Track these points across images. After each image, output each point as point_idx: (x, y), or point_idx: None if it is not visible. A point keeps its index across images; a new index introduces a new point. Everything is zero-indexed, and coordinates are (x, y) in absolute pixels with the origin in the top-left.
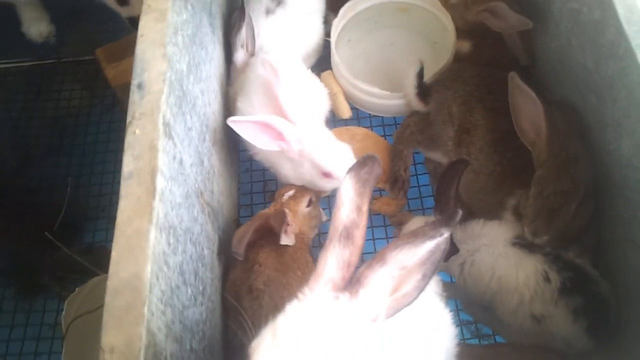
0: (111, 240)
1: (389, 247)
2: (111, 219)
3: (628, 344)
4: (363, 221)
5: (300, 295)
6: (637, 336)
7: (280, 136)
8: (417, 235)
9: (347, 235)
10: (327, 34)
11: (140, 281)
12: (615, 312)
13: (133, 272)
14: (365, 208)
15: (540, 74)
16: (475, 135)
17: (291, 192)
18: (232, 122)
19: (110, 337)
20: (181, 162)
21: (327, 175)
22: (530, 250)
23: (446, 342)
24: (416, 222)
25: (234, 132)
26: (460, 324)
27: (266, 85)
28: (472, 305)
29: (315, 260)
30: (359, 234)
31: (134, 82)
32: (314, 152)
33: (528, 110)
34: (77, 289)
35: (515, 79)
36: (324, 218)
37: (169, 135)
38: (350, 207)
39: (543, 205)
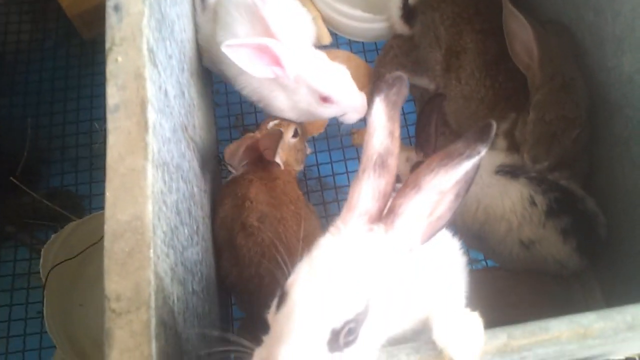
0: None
1: (421, 172)
2: (81, 160)
3: (620, 262)
4: (396, 148)
5: (333, 228)
6: (631, 253)
7: (276, 61)
8: (452, 156)
9: (382, 163)
10: None
11: (143, 223)
12: (604, 228)
13: (133, 213)
14: (397, 133)
15: None
16: (465, 59)
17: (276, 121)
18: (227, 47)
19: (115, 284)
20: (166, 93)
21: (325, 99)
22: (513, 176)
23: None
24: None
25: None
26: None
27: (250, 11)
28: (463, 234)
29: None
30: (394, 162)
31: (110, 3)
32: (312, 75)
33: (521, 33)
34: (52, 236)
35: (507, 3)
36: (308, 151)
37: (153, 63)
38: (384, 133)
39: (544, 131)
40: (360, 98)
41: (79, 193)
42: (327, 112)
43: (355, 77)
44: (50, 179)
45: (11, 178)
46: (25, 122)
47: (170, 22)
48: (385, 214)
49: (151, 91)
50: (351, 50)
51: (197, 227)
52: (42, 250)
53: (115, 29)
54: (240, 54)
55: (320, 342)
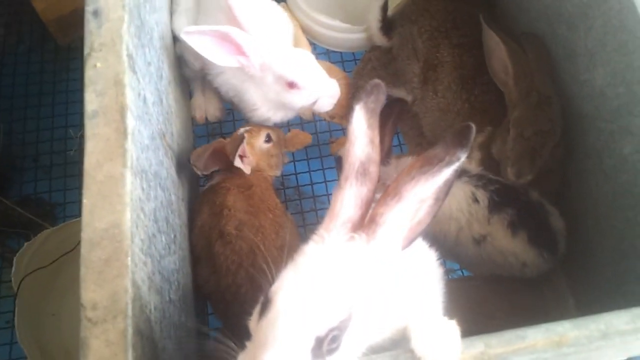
0: (53, 191)
1: (402, 180)
2: (55, 167)
3: (592, 272)
4: (377, 155)
5: (316, 236)
6: (602, 263)
7: (239, 49)
8: (432, 163)
9: (364, 171)
10: None
11: (120, 230)
12: (556, 219)
13: (111, 220)
14: (377, 140)
15: (506, 4)
16: (442, 72)
17: (247, 127)
18: (186, 33)
19: (92, 292)
20: (145, 99)
21: (292, 85)
22: (457, 177)
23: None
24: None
25: (186, 70)
26: None
27: (222, 6)
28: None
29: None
30: (375, 169)
31: (89, 8)
32: (276, 62)
33: (497, 51)
34: (25, 244)
35: (483, 22)
36: (286, 159)
37: (133, 69)
38: (365, 141)
39: (524, 147)
40: (330, 82)
41: (52, 200)
42: (297, 99)
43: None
44: (23, 186)
45: None
46: None
47: (149, 29)
48: (366, 223)
49: (130, 98)
50: (329, 61)
51: (175, 236)
52: (15, 258)
53: (95, 35)
54: (201, 42)
55: (304, 349)
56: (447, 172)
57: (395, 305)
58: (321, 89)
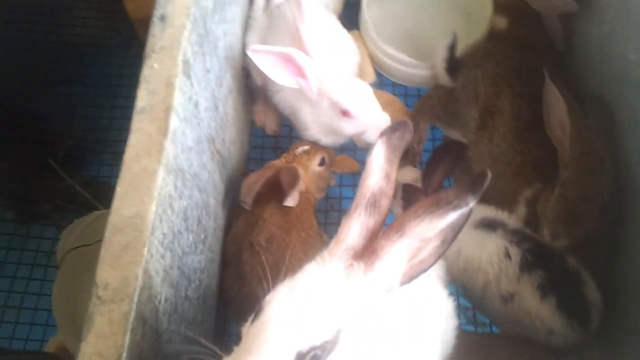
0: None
1: (408, 217)
2: (118, 155)
3: (633, 347)
4: (391, 190)
5: (319, 257)
6: None
7: (300, 72)
8: (440, 204)
9: (374, 203)
10: None
11: (143, 221)
12: (592, 290)
13: (136, 211)
14: (393, 176)
15: (577, 62)
16: (500, 120)
17: (306, 147)
18: (252, 51)
19: (106, 273)
20: (197, 104)
21: (345, 113)
22: (492, 228)
23: (446, 330)
24: (407, 173)
25: (251, 80)
26: (458, 309)
27: (290, 28)
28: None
29: (319, 224)
30: (386, 203)
31: (157, 13)
32: (333, 89)
33: (556, 108)
34: (75, 221)
35: (547, 76)
36: (333, 182)
37: (187, 74)
38: (380, 175)
39: (566, 209)
40: (382, 116)
41: (112, 185)
42: (348, 127)
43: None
44: (90, 168)
45: (50, 160)
46: (76, 111)
47: (214, 39)
48: (367, 253)
49: (178, 100)
50: (393, 93)
51: (205, 237)
52: (62, 233)
53: (157, 38)
54: (265, 60)
55: None
56: (453, 216)
57: (386, 343)
58: (372, 121)
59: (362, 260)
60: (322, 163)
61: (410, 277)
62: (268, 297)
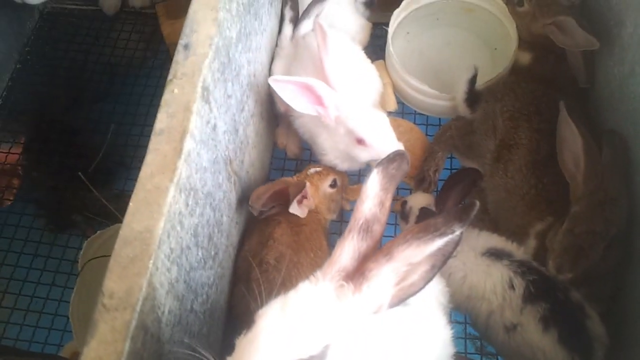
0: None
1: (396, 242)
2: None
3: None
4: (384, 216)
5: (312, 277)
6: None
7: (319, 100)
8: (428, 230)
9: (367, 228)
10: (386, 23)
11: (151, 235)
12: (596, 325)
13: (145, 225)
14: (388, 204)
15: (597, 99)
16: (516, 153)
17: (318, 169)
18: (273, 80)
19: (112, 283)
20: (215, 127)
21: (360, 142)
22: (498, 258)
23: (440, 356)
24: (420, 198)
25: (274, 106)
26: (465, 337)
27: (314, 58)
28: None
29: (331, 246)
30: (379, 229)
31: (182, 41)
32: (350, 117)
33: (572, 143)
34: (98, 232)
35: (563, 110)
36: (348, 207)
37: (206, 100)
38: (374, 202)
39: (572, 243)
40: (396, 145)
41: None
42: (363, 155)
43: (413, 149)
44: (119, 182)
45: (79, 173)
46: (109, 127)
47: (237, 66)
48: (356, 275)
49: (195, 124)
50: (415, 122)
51: (216, 253)
52: (85, 242)
53: (180, 65)
54: (285, 89)
55: None
56: (440, 242)
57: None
58: (386, 150)
59: (352, 282)
60: (333, 185)
61: (400, 300)
62: (260, 312)
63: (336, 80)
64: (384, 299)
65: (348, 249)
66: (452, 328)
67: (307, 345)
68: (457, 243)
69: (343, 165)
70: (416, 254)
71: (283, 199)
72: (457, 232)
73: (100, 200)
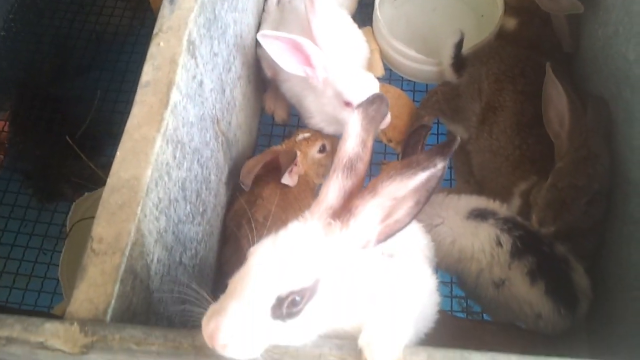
0: None
1: (380, 178)
2: None
3: (617, 342)
4: (367, 155)
5: (301, 217)
6: (628, 333)
7: (307, 60)
8: (411, 166)
9: (351, 166)
10: None
11: (139, 183)
12: (581, 277)
13: (133, 174)
14: (369, 143)
15: (582, 62)
16: (501, 115)
17: (307, 135)
18: (262, 36)
19: (101, 228)
20: (201, 83)
21: (348, 104)
22: (484, 218)
23: (426, 303)
24: None
25: (261, 71)
26: (451, 296)
27: (301, 22)
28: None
29: None
30: (362, 167)
31: None
32: (338, 79)
33: (557, 102)
34: (86, 194)
35: (548, 70)
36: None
37: (192, 54)
38: (356, 141)
39: (555, 197)
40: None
41: None
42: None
43: (400, 115)
44: (108, 150)
45: (66, 137)
46: (95, 95)
47: (223, 25)
48: (343, 212)
49: (181, 76)
50: (402, 88)
51: (204, 210)
52: (73, 204)
53: (165, 19)
54: (274, 47)
55: (266, 304)
56: (423, 176)
57: (360, 296)
58: None
59: (340, 219)
60: (322, 150)
61: (386, 236)
62: (252, 249)
63: (324, 42)
64: (371, 235)
65: (334, 188)
66: (437, 279)
67: (298, 279)
68: (440, 178)
69: (329, 129)
70: (400, 188)
71: (273, 168)
72: (439, 166)
73: (88, 168)
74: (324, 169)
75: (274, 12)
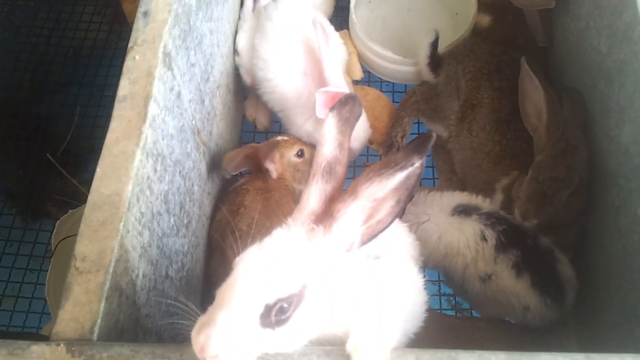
0: None
1: (360, 180)
2: None
3: (602, 330)
4: (345, 158)
5: (284, 224)
6: (613, 322)
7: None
8: (388, 166)
9: (330, 170)
10: None
11: (120, 198)
12: (566, 268)
13: (114, 189)
14: (346, 145)
15: (557, 57)
16: (480, 112)
17: (286, 137)
18: (322, 91)
19: (84, 246)
20: (179, 95)
21: None
22: (467, 214)
23: (414, 303)
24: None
25: (241, 79)
26: (439, 295)
27: (307, 43)
28: (447, 278)
29: None
30: (341, 170)
31: (141, 9)
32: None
33: (534, 95)
34: (70, 211)
35: (524, 65)
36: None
37: (168, 66)
38: (333, 144)
39: (536, 190)
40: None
41: None
42: None
43: (380, 116)
44: (90, 166)
45: (47, 155)
46: (74, 110)
47: (199, 35)
48: (325, 216)
49: (158, 89)
50: (381, 89)
51: (189, 222)
52: (57, 222)
53: (140, 32)
54: (324, 97)
55: (254, 313)
56: (401, 176)
57: (347, 300)
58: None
59: (322, 224)
60: (299, 155)
61: (369, 237)
62: (237, 259)
63: (332, 73)
64: (354, 237)
65: (314, 193)
66: (424, 277)
67: (285, 286)
68: (418, 176)
69: (312, 139)
70: (379, 189)
71: (253, 164)
72: (417, 164)
73: (71, 185)
74: (301, 175)
75: (250, 20)
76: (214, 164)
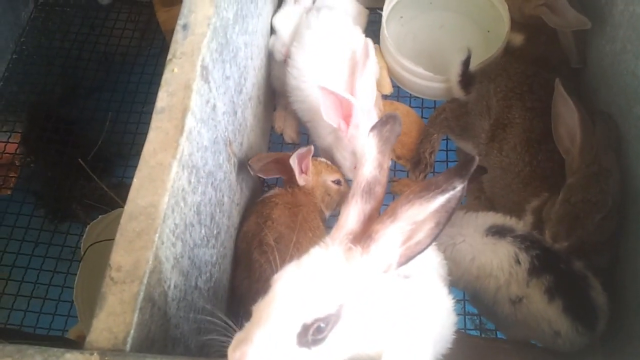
0: None
1: (400, 202)
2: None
3: (632, 358)
4: (384, 178)
5: (322, 243)
6: None
7: (347, 117)
8: (429, 189)
9: (370, 190)
10: (380, 8)
11: (156, 210)
12: (599, 295)
13: (150, 201)
14: (386, 165)
15: (590, 78)
16: (511, 132)
17: (329, 162)
18: (323, 87)
19: (120, 256)
20: (214, 107)
21: (356, 165)
22: (502, 235)
23: (444, 324)
24: None
25: (271, 90)
26: (464, 314)
27: (344, 56)
28: (474, 298)
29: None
30: (380, 190)
31: (180, 22)
32: (361, 146)
33: (568, 118)
34: (100, 217)
35: (558, 86)
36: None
37: (205, 79)
38: (373, 165)
39: (568, 212)
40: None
41: None
42: (348, 171)
43: (409, 132)
44: (118, 170)
45: (79, 159)
46: (106, 116)
47: (234, 48)
48: (363, 237)
49: (195, 102)
50: (410, 105)
51: (218, 233)
52: (88, 227)
53: (179, 44)
54: (326, 98)
55: (291, 332)
56: (441, 199)
57: (382, 320)
58: None
59: (360, 244)
60: (336, 182)
61: (407, 258)
62: (276, 276)
63: (364, 101)
64: (392, 258)
65: (353, 213)
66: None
67: (323, 306)
68: (459, 199)
69: (326, 153)
70: (419, 212)
71: (283, 170)
72: (458, 188)
73: (99, 189)
74: (329, 199)
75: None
76: (245, 177)
